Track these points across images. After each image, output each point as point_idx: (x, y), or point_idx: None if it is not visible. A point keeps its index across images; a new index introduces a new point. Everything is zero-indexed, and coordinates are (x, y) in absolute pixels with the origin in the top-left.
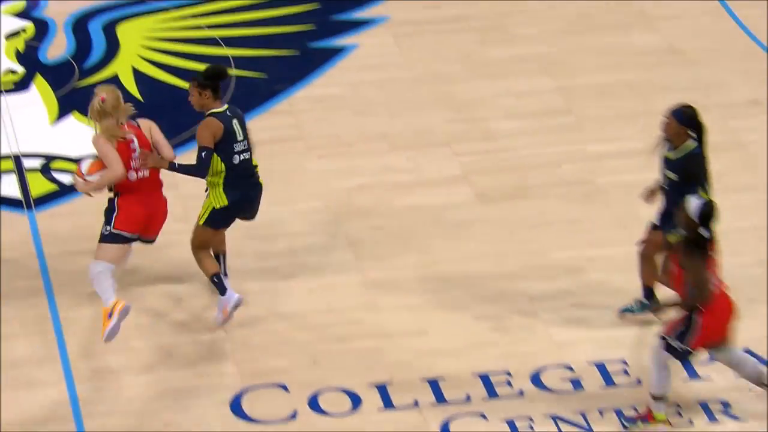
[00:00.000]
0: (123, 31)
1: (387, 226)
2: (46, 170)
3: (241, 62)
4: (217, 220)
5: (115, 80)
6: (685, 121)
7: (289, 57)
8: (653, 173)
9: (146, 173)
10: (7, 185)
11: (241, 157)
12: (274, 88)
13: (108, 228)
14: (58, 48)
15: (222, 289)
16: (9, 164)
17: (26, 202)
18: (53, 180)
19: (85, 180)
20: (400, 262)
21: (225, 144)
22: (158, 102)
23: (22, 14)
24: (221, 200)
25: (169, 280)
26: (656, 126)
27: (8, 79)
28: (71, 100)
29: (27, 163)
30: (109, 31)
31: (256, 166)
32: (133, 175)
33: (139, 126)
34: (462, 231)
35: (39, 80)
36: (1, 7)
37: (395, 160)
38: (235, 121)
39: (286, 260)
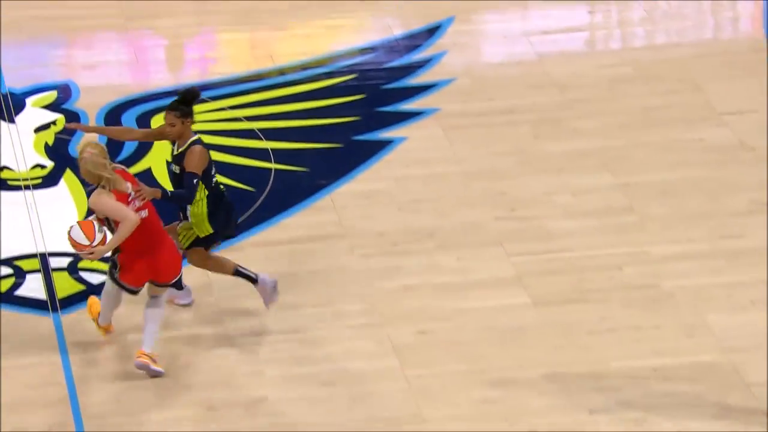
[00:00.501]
0: (157, 123)
1: (434, 330)
2: (73, 270)
3: (282, 156)
4: (202, 244)
5: (148, 174)
6: None
7: (332, 150)
8: (723, 277)
9: (144, 213)
10: (32, 285)
11: (214, 179)
12: (316, 182)
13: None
14: None
15: (252, 278)
16: (34, 263)
17: (51, 304)
18: (81, 280)
19: (93, 247)
20: (449, 369)
21: (208, 170)
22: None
23: (52, 106)
24: (206, 229)
25: None
26: (725, 227)
27: (36, 174)
28: None
29: (54, 262)
30: (143, 123)
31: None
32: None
33: (123, 169)
34: (515, 337)
35: (69, 175)
36: (30, 100)
37: (443, 260)
38: None
39: (326, 366)
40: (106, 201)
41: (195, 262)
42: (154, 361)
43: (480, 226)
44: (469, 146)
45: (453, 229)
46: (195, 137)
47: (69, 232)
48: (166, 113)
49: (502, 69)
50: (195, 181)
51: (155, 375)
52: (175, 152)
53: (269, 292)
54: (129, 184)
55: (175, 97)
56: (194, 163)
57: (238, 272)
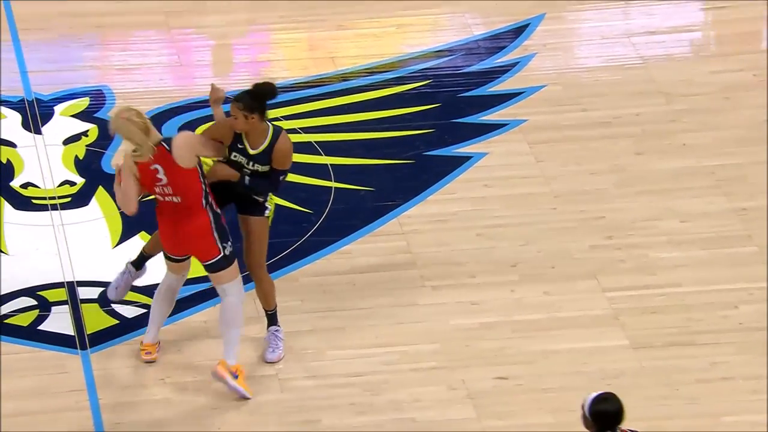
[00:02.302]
0: None
1: (516, 376)
2: (105, 302)
3: (344, 173)
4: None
5: None
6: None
7: (401, 167)
8: None
9: (177, 199)
10: (58, 319)
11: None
12: (382, 204)
13: None
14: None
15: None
16: (61, 294)
17: (80, 341)
18: (113, 314)
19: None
20: (532, 421)
21: None
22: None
23: (84, 115)
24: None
25: None
26: None
27: (65, 191)
28: (139, 218)
29: (83, 293)
30: None
31: None
32: (160, 198)
33: (169, 150)
34: (611, 384)
35: (101, 194)
36: (59, 108)
37: (528, 295)
38: None
39: (391, 415)
40: (124, 175)
41: (253, 262)
42: (235, 377)
43: (571, 255)
44: (560, 163)
45: (539, 259)
46: (271, 130)
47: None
48: (233, 102)
49: (599, 74)
50: (281, 178)
51: (241, 395)
52: (252, 151)
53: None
54: (159, 168)
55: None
56: (286, 161)
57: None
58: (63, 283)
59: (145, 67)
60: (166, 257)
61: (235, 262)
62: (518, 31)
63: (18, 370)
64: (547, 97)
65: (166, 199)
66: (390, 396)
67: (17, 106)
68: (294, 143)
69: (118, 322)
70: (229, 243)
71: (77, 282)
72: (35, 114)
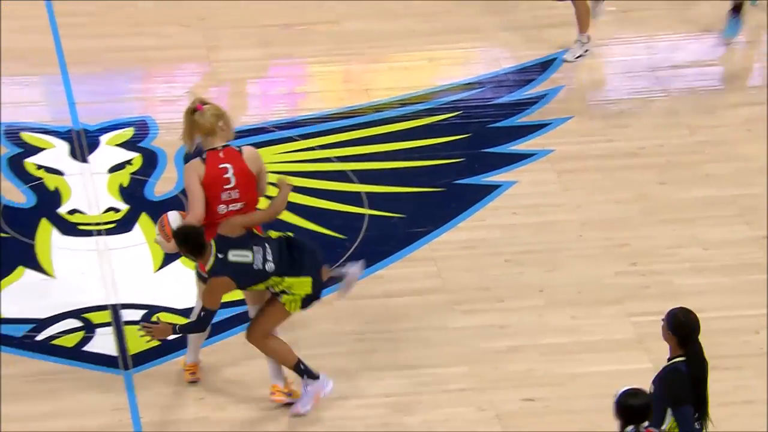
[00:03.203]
0: None
1: (543, 398)
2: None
3: (377, 200)
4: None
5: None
6: (672, 327)
7: (432, 195)
8: None
9: (238, 206)
10: (102, 341)
11: None
12: (413, 230)
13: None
14: (168, 182)
15: (312, 374)
16: (105, 316)
17: (123, 361)
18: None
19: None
20: None
21: None
22: None
23: (129, 144)
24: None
25: None
26: None
27: (110, 218)
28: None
29: (126, 314)
30: None
31: None
32: (222, 209)
33: (241, 152)
34: None
35: (144, 220)
36: (104, 137)
37: (555, 319)
38: None
39: None
40: (186, 176)
41: (253, 335)
42: (289, 395)
43: (597, 281)
44: (586, 192)
45: (566, 284)
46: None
47: (166, 215)
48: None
49: (625, 106)
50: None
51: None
52: None
53: (322, 396)
54: (229, 166)
55: None
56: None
57: (300, 366)
58: (107, 305)
59: (186, 99)
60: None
61: None
62: (546, 65)
63: (63, 390)
64: (574, 128)
65: (230, 207)
66: (421, 416)
67: (65, 136)
68: (329, 171)
69: (159, 343)
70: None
71: (121, 304)
72: (82, 144)
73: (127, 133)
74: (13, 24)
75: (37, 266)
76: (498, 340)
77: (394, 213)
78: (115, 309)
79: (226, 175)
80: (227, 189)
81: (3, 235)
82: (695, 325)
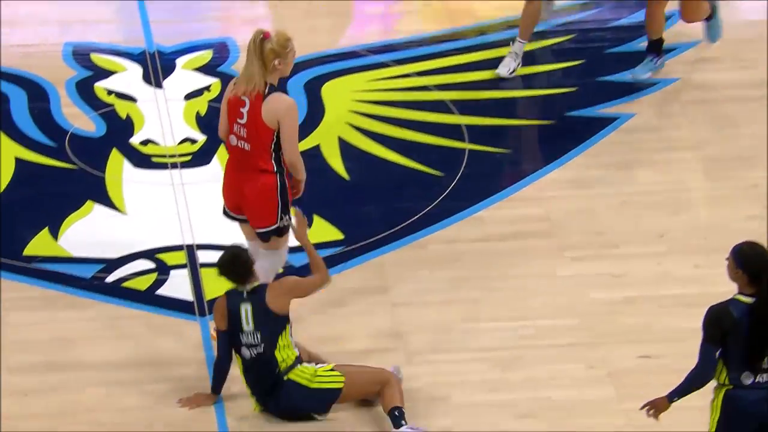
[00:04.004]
0: (330, 91)
1: (661, 354)
2: None
3: (478, 134)
4: None
5: (316, 152)
6: (740, 264)
7: (541, 128)
8: None
9: (248, 147)
10: (176, 284)
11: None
12: (519, 168)
13: None
14: None
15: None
16: (180, 257)
17: (198, 307)
18: None
19: None
20: (678, 403)
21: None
22: (368, 183)
23: (207, 68)
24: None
25: None
26: None
27: (186, 149)
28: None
29: (203, 256)
30: (313, 91)
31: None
32: (233, 140)
33: (265, 97)
34: None
35: (223, 152)
36: (181, 61)
37: (676, 268)
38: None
39: (525, 393)
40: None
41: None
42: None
43: (725, 226)
44: (715, 126)
45: (690, 229)
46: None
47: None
48: None
49: (764, 30)
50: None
51: None
52: None
53: None
54: (247, 101)
55: None
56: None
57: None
58: (182, 245)
59: (270, 19)
60: (232, 219)
61: (287, 236)
62: None
63: (135, 336)
64: (703, 54)
65: (239, 143)
66: (524, 373)
67: (138, 58)
68: (426, 101)
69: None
70: (289, 216)
71: (197, 245)
72: (156, 67)
73: (206, 56)
74: None
75: (107, 201)
76: (612, 290)
77: (497, 148)
78: (191, 250)
79: (242, 109)
80: (239, 123)
81: (70, 166)
82: (766, 258)
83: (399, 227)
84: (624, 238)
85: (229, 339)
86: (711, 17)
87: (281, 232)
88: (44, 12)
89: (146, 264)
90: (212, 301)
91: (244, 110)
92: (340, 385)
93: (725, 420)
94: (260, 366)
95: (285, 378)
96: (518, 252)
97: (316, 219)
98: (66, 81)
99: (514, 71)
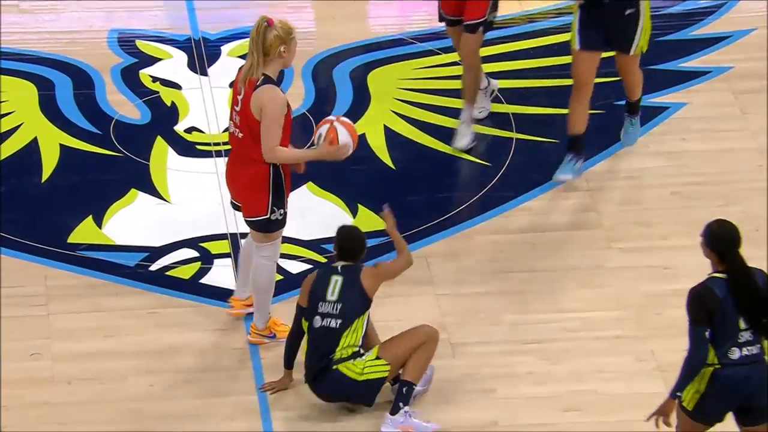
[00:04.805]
0: (376, 79)
1: None
2: None
3: (526, 123)
4: None
5: (362, 141)
6: (709, 242)
7: (590, 117)
8: None
9: (241, 135)
10: (220, 273)
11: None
12: (566, 157)
13: None
14: (294, 99)
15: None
16: (224, 246)
17: None
18: (277, 269)
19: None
20: None
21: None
22: (413, 172)
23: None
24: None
25: None
26: None
27: None
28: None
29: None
30: (359, 79)
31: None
32: (231, 127)
33: (257, 88)
34: None
35: None
36: (226, 48)
37: None
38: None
39: (571, 386)
40: None
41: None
42: (272, 336)
43: None
44: None
45: (742, 220)
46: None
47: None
48: None
49: None
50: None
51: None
52: None
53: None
54: (242, 90)
55: None
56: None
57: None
58: (226, 234)
59: (316, 5)
60: (235, 207)
61: (280, 231)
62: None
63: (179, 325)
64: (757, 42)
65: (234, 130)
66: (570, 365)
67: (183, 45)
68: None
69: (282, 277)
70: (283, 211)
71: (241, 234)
72: (202, 54)
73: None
74: None
75: (151, 189)
76: (661, 282)
77: (545, 137)
78: (235, 239)
79: (238, 96)
80: (236, 110)
81: (115, 154)
82: (734, 235)
83: (445, 217)
84: (673, 229)
85: (305, 313)
86: (635, 111)
87: (271, 225)
88: None
89: (190, 253)
90: None
91: (240, 98)
92: (386, 373)
93: (711, 397)
94: (323, 340)
95: (334, 368)
96: (566, 243)
97: (361, 209)
98: (111, 68)
99: (473, 140)
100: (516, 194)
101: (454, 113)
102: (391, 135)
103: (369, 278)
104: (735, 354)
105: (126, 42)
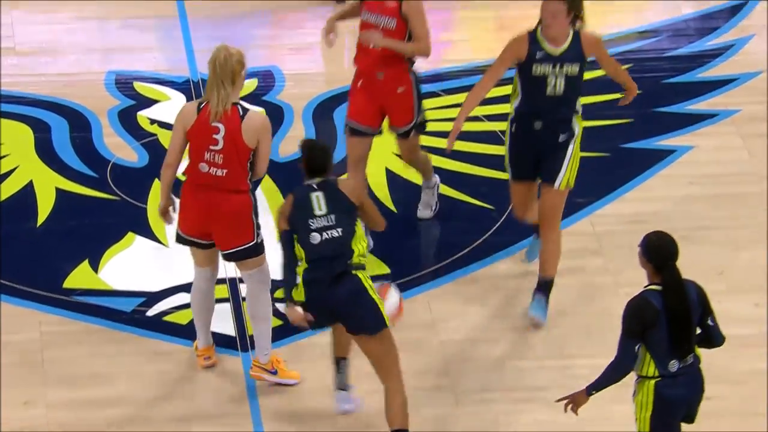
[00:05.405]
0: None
1: (721, 397)
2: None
3: None
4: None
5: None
6: (646, 253)
7: (595, 160)
8: None
9: (223, 174)
10: (218, 318)
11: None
12: (572, 200)
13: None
14: (294, 142)
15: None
16: (222, 290)
17: (241, 342)
18: (277, 314)
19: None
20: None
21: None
22: (415, 215)
23: (251, 98)
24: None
25: None
26: None
27: None
28: None
29: (245, 290)
30: None
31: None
32: (204, 168)
33: (243, 117)
34: None
35: (267, 184)
36: None
37: (736, 307)
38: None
39: None
40: (176, 120)
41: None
42: (273, 372)
43: None
44: None
45: (750, 266)
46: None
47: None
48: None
49: None
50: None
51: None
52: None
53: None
54: (221, 127)
55: None
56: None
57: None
58: (224, 278)
59: (317, 47)
60: (193, 244)
61: (265, 252)
62: (734, 10)
63: (174, 372)
64: (765, 86)
65: (210, 170)
66: (579, 413)
67: (182, 87)
68: (477, 132)
69: (281, 323)
70: (260, 231)
71: (239, 278)
72: (200, 96)
73: (251, 84)
74: None
75: (149, 233)
76: None
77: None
78: (234, 283)
79: (215, 136)
80: (213, 150)
81: (112, 197)
82: (671, 248)
83: (448, 261)
84: (682, 274)
85: (293, 235)
86: (546, 290)
87: (259, 248)
88: (87, 40)
89: (188, 297)
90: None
91: (219, 136)
92: (386, 323)
93: (659, 415)
94: (332, 250)
95: (353, 272)
96: (572, 288)
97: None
98: (108, 110)
99: (436, 206)
100: (520, 238)
101: (457, 156)
102: (392, 177)
103: (346, 185)
104: (674, 367)
105: (123, 84)
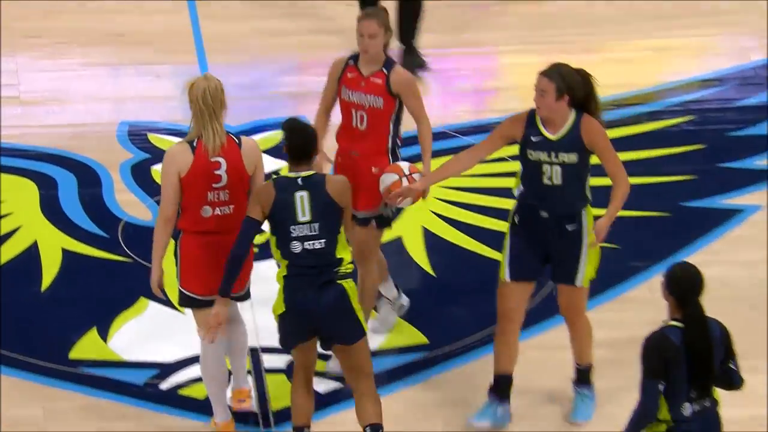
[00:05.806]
0: None
1: None
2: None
3: None
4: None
5: (399, 246)
6: (667, 284)
7: (653, 221)
8: None
9: (230, 210)
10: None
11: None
12: (629, 264)
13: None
14: None
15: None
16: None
17: (263, 419)
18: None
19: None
20: None
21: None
22: (455, 279)
23: (276, 151)
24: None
25: None
26: None
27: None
28: None
29: (268, 361)
30: None
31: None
32: (208, 212)
33: (239, 143)
34: None
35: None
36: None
37: None
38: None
39: None
40: (163, 164)
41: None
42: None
43: None
44: None
45: None
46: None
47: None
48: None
49: None
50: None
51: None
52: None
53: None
54: (222, 161)
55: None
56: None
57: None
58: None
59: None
60: (208, 305)
61: None
62: None
63: None
64: None
65: (215, 212)
66: None
67: None
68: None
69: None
70: None
71: (261, 348)
72: None
73: (276, 136)
74: (139, 2)
75: (163, 298)
76: (734, 409)
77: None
78: (256, 354)
79: (216, 172)
80: (216, 188)
81: (123, 259)
82: (696, 281)
83: (489, 330)
84: (753, 349)
85: (259, 230)
86: (586, 381)
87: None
88: (97, 88)
89: None
90: (279, 413)
91: (221, 171)
92: (365, 332)
93: None
94: (317, 260)
95: (338, 281)
96: (629, 361)
97: (399, 321)
98: (120, 164)
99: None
100: None
101: (498, 214)
102: (430, 237)
103: (334, 186)
104: (687, 410)
105: (137, 135)
